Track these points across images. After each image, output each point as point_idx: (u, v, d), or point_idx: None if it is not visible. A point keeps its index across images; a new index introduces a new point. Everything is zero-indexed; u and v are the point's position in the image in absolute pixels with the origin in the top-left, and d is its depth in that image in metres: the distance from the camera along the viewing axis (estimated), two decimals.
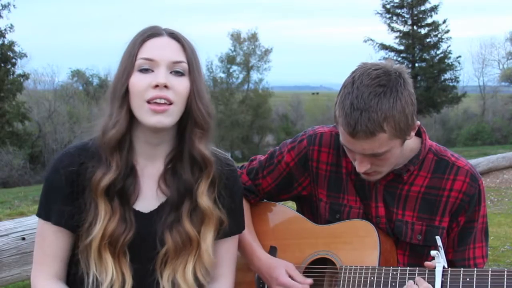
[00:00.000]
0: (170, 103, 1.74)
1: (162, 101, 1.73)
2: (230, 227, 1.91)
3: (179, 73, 1.77)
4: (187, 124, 1.81)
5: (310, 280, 2.11)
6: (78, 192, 1.79)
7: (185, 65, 1.78)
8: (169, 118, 1.74)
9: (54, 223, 1.80)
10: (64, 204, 1.79)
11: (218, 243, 1.92)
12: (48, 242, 1.82)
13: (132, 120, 1.79)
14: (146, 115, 1.73)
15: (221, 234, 1.89)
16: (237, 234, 1.99)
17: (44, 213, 1.82)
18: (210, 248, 1.84)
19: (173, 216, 1.82)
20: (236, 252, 2.02)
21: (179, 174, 1.83)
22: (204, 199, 1.82)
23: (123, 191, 1.79)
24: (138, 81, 1.74)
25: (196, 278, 1.83)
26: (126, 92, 1.76)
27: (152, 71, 1.75)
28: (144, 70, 1.75)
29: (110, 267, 1.76)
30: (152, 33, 1.80)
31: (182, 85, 1.76)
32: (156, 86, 1.72)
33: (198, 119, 1.80)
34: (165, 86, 1.73)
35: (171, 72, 1.76)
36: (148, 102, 1.73)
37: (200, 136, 1.81)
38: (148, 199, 1.84)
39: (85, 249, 1.78)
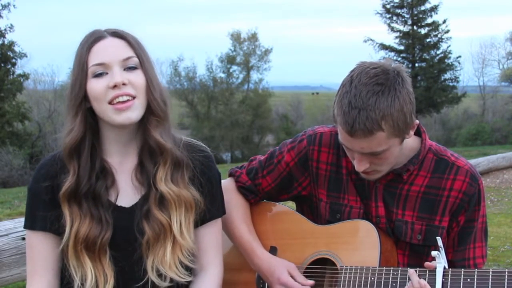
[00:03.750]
0: (133, 97, 1.80)
1: (125, 98, 1.79)
2: (210, 211, 1.97)
3: (132, 68, 1.82)
4: (145, 115, 1.85)
5: (311, 282, 2.11)
6: (58, 199, 1.85)
7: (135, 59, 1.83)
8: (135, 112, 1.80)
9: (39, 229, 1.85)
10: (46, 210, 1.85)
11: (200, 230, 1.97)
12: (37, 252, 1.87)
13: (98, 123, 1.86)
14: (112, 116, 1.79)
15: (201, 218, 1.95)
16: (218, 218, 2.03)
17: (30, 223, 1.88)
18: (185, 231, 1.88)
19: (146, 206, 1.87)
20: (221, 238, 2.06)
21: (144, 164, 1.89)
22: (163, 185, 1.86)
23: (94, 193, 1.84)
24: (95, 86, 1.79)
25: (181, 262, 1.88)
26: (82, 101, 1.81)
27: (107, 73, 1.80)
28: (98, 75, 1.80)
29: (89, 270, 1.81)
30: (95, 37, 1.83)
31: (138, 78, 1.82)
32: (115, 86, 1.77)
33: (154, 108, 1.84)
34: (123, 84, 1.78)
35: (124, 69, 1.81)
36: (110, 103, 1.79)
37: (155, 124, 1.86)
38: (129, 194, 1.90)
39: (66, 255, 1.84)
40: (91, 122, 1.85)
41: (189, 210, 1.90)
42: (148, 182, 1.88)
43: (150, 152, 1.88)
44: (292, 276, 2.12)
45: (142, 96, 1.82)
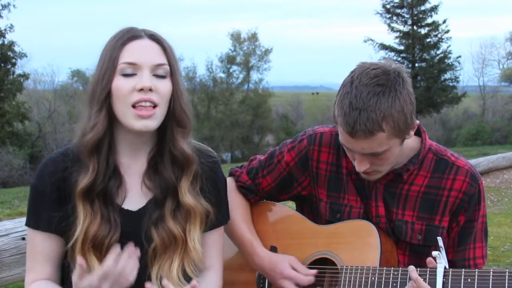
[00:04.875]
0: (155, 106, 1.76)
1: (147, 104, 1.75)
2: (217, 218, 1.95)
3: (161, 76, 1.78)
4: (168, 123, 1.82)
5: (314, 271, 2.12)
6: (64, 197, 1.80)
7: (167, 68, 1.79)
8: (154, 121, 1.77)
9: (43, 230, 1.81)
10: (52, 210, 1.80)
11: (206, 236, 1.95)
12: (38, 249, 1.83)
13: (112, 122, 1.80)
14: (131, 120, 1.75)
15: (208, 226, 1.92)
16: (224, 224, 2.02)
17: (33, 222, 1.84)
18: (197, 245, 1.86)
19: (157, 213, 1.84)
20: (222, 242, 2.05)
21: (160, 171, 1.85)
22: (188, 197, 1.84)
23: (105, 193, 1.79)
24: (122, 85, 1.75)
25: (185, 274, 1.85)
26: (107, 96, 1.76)
27: (135, 74, 1.76)
28: (127, 75, 1.75)
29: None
30: (132, 35, 1.79)
31: (165, 87, 1.78)
32: (141, 89, 1.74)
33: (180, 118, 1.82)
34: (150, 89, 1.74)
35: (153, 75, 1.77)
36: (133, 106, 1.75)
37: (182, 135, 1.84)
38: (136, 197, 1.86)
39: (72, 253, 1.79)
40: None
41: (202, 223, 1.88)
42: (161, 189, 1.84)
43: (173, 161, 1.85)
44: (294, 269, 2.12)
45: (164, 105, 1.78)
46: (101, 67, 1.78)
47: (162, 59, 1.79)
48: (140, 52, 1.77)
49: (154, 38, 1.81)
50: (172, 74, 1.81)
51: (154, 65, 1.77)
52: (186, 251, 1.84)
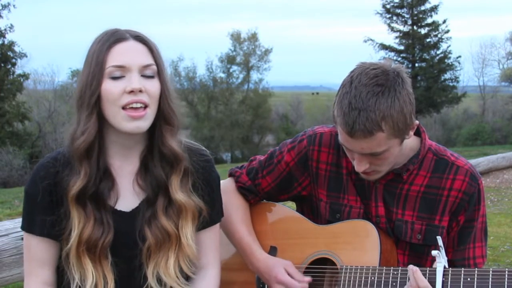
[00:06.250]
0: (146, 106, 1.77)
1: (139, 105, 1.76)
2: (211, 216, 1.96)
3: (149, 76, 1.79)
4: (157, 122, 1.84)
5: (308, 278, 2.11)
6: (57, 202, 1.82)
7: (154, 68, 1.81)
8: (146, 122, 1.79)
9: (37, 234, 1.83)
10: (45, 214, 1.81)
11: (200, 234, 1.96)
12: (34, 253, 1.85)
13: (102, 125, 1.81)
14: (123, 122, 1.77)
15: (202, 224, 1.93)
16: (218, 222, 2.03)
17: (27, 226, 1.85)
18: (191, 240, 1.87)
19: (150, 212, 1.85)
20: (219, 239, 2.05)
21: (151, 169, 1.87)
22: (179, 194, 1.85)
23: (97, 195, 1.81)
24: (111, 88, 1.75)
25: (181, 270, 1.87)
26: (97, 100, 1.77)
27: (124, 76, 1.77)
28: (115, 78, 1.76)
29: (90, 272, 1.78)
30: (117, 38, 1.80)
31: (154, 87, 1.79)
32: (131, 91, 1.75)
33: (168, 116, 1.84)
34: (140, 91, 1.76)
35: (141, 76, 1.78)
36: (124, 108, 1.76)
37: (171, 133, 1.85)
38: (129, 198, 1.87)
39: (66, 257, 1.81)
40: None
41: (194, 220, 1.90)
42: (152, 188, 1.86)
43: (162, 159, 1.86)
44: (289, 274, 2.12)
45: (154, 105, 1.80)
46: (88, 71, 1.78)
47: (149, 60, 1.80)
48: (127, 54, 1.77)
49: (140, 39, 1.82)
50: (160, 73, 1.82)
51: (142, 66, 1.78)
52: (180, 247, 1.86)
